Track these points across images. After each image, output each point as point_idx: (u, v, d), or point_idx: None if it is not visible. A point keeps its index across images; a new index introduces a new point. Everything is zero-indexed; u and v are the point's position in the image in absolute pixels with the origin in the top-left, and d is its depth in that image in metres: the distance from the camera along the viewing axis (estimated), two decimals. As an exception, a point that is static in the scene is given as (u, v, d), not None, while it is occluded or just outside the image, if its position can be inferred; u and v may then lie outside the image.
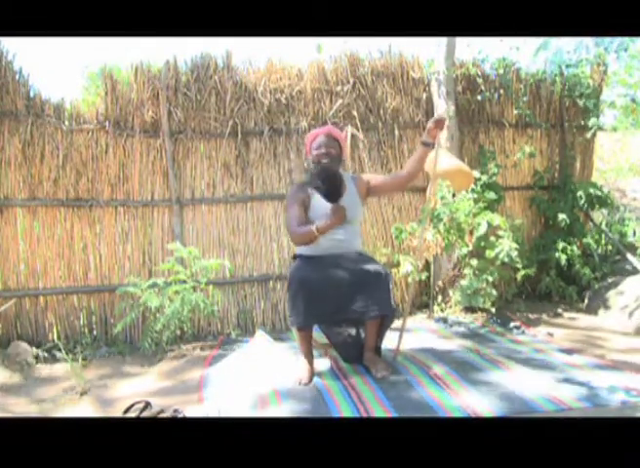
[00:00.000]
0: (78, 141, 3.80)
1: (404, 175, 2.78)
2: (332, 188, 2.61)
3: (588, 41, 3.78)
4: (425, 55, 4.42)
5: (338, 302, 2.52)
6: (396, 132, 4.33)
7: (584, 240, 4.52)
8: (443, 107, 4.22)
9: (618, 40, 3.77)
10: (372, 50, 4.34)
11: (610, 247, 4.88)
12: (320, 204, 2.67)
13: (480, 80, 4.40)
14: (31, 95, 3.73)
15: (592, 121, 4.51)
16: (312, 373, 2.63)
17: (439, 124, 2.60)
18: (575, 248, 4.29)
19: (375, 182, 2.84)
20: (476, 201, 3.98)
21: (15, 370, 3.06)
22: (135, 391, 2.72)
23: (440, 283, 4.20)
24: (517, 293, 4.36)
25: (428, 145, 2.66)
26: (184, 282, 3.45)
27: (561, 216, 4.36)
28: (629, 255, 4.46)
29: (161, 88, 3.91)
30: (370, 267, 2.59)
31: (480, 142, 4.53)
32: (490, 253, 3.81)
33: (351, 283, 2.52)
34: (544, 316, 4.02)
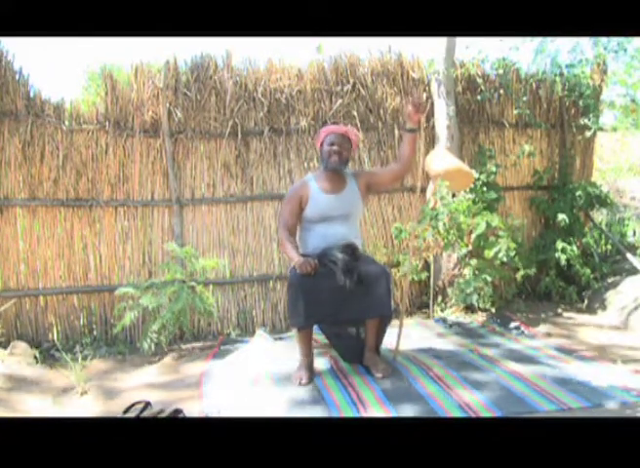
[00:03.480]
0: (78, 141, 3.80)
1: (398, 166, 2.82)
2: (344, 269, 2.49)
3: (585, 41, 3.78)
4: (425, 55, 4.42)
5: (338, 302, 2.52)
6: (396, 132, 4.33)
7: (584, 240, 4.51)
8: (443, 107, 4.22)
9: (616, 40, 3.77)
10: (372, 50, 4.34)
11: (610, 247, 4.88)
12: (318, 200, 2.71)
13: (480, 80, 4.40)
14: (31, 95, 3.73)
15: (592, 121, 4.51)
16: (312, 373, 2.63)
17: (419, 107, 2.62)
18: (574, 248, 4.28)
19: (374, 178, 2.89)
20: (475, 201, 3.98)
21: (14, 371, 3.06)
22: (134, 391, 2.72)
23: (440, 283, 4.20)
24: (517, 293, 4.36)
25: (414, 131, 2.69)
26: (183, 282, 3.46)
27: (561, 216, 4.36)
28: (629, 255, 4.46)
29: (161, 88, 3.91)
30: (370, 267, 2.59)
31: (480, 142, 4.53)
32: (489, 253, 3.81)
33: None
34: (544, 316, 4.02)
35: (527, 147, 4.35)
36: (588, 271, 4.24)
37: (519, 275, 4.00)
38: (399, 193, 4.34)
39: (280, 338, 3.61)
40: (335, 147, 2.71)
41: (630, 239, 5.24)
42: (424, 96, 4.37)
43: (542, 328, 3.71)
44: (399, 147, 2.86)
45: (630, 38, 3.69)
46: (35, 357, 3.29)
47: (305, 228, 2.79)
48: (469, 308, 4.02)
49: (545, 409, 2.18)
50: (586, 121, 4.54)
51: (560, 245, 4.26)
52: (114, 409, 2.44)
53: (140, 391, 2.70)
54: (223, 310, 4.03)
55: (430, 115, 4.29)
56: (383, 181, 2.93)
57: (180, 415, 2.26)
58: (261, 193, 4.16)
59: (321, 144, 2.80)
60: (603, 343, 3.28)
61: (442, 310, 4.10)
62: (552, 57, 3.73)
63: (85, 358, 3.30)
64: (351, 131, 2.83)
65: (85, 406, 2.55)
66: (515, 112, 4.50)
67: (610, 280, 4.26)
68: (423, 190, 4.29)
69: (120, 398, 2.59)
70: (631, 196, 6.66)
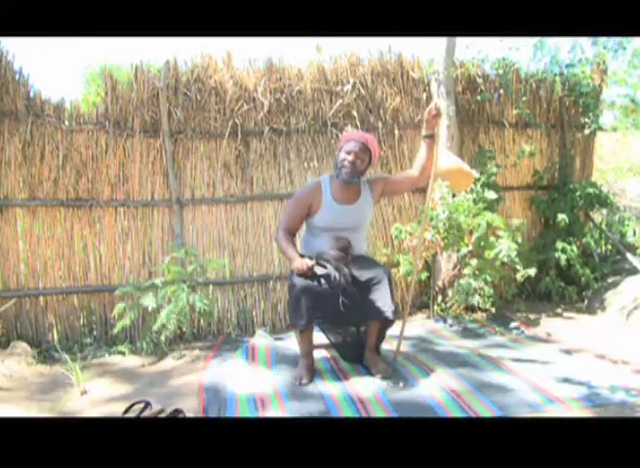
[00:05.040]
0: (78, 141, 3.80)
1: (416, 173, 2.73)
2: (337, 266, 2.48)
3: (584, 41, 3.78)
4: (425, 55, 4.42)
5: (339, 304, 2.51)
6: (396, 132, 4.33)
7: (584, 240, 4.52)
8: (443, 107, 4.22)
9: (616, 39, 3.77)
10: (372, 50, 4.34)
11: (610, 247, 4.88)
12: (330, 210, 2.65)
13: (480, 80, 4.40)
14: (31, 95, 3.73)
15: (592, 121, 4.51)
16: (312, 373, 2.63)
17: (437, 112, 2.56)
18: (574, 248, 4.29)
19: (390, 186, 2.80)
20: (476, 201, 3.98)
21: (14, 371, 3.06)
22: (134, 391, 2.72)
23: (440, 283, 4.20)
24: (517, 293, 4.36)
25: (431, 137, 2.62)
26: (183, 282, 3.46)
27: (561, 216, 4.37)
28: (629, 255, 4.46)
29: (161, 88, 3.91)
30: (372, 269, 2.59)
31: (480, 142, 4.53)
32: (489, 254, 3.81)
33: (353, 285, 2.52)
34: (544, 316, 4.02)
35: (527, 148, 4.35)
36: (588, 271, 4.24)
37: (519, 275, 4.00)
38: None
39: (280, 338, 3.61)
40: (350, 157, 2.59)
41: (630, 239, 5.24)
42: (424, 96, 4.37)
43: (542, 328, 3.71)
44: (417, 155, 2.80)
45: (630, 38, 3.69)
46: (35, 357, 3.29)
47: (312, 233, 2.74)
48: (469, 308, 4.02)
49: (546, 409, 2.18)
50: (586, 120, 4.54)
51: (560, 245, 4.26)
52: (114, 409, 2.44)
53: (140, 392, 2.70)
54: (223, 310, 4.03)
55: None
56: (400, 189, 2.88)
57: (180, 415, 2.26)
58: (261, 193, 4.15)
59: (339, 149, 2.68)
60: (603, 343, 3.28)
61: (442, 310, 4.10)
62: (552, 54, 3.72)
63: (85, 358, 3.31)
64: (372, 141, 2.68)
65: (84, 405, 2.55)
66: (515, 112, 4.50)
67: (610, 280, 4.26)
68: (424, 190, 4.29)
69: (119, 399, 2.59)
70: (632, 196, 6.66)
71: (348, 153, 2.61)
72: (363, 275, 2.55)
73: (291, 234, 2.71)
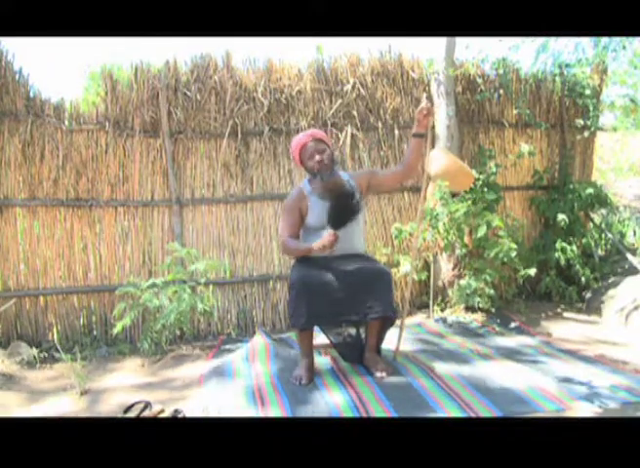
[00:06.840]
0: (78, 141, 3.80)
1: (402, 169, 2.75)
2: (340, 215, 2.54)
3: (586, 42, 3.77)
4: (425, 55, 4.42)
5: (340, 304, 2.52)
6: (396, 132, 4.33)
7: (584, 240, 4.51)
8: (443, 107, 4.22)
9: (616, 39, 3.76)
10: (372, 50, 4.34)
11: (610, 247, 4.88)
12: (318, 209, 2.66)
13: (480, 80, 4.40)
14: (31, 95, 3.73)
15: (592, 121, 4.51)
16: (312, 373, 2.63)
17: (428, 111, 2.57)
18: (574, 248, 4.28)
19: (375, 179, 2.81)
20: (476, 201, 3.98)
21: (14, 370, 3.06)
22: (134, 391, 2.72)
23: (440, 283, 4.20)
24: (517, 293, 4.36)
25: (421, 136, 2.63)
26: (184, 282, 3.45)
27: (561, 216, 4.36)
28: (629, 255, 4.46)
29: (161, 88, 3.91)
30: (372, 268, 2.59)
31: (480, 142, 4.53)
32: (489, 254, 3.81)
33: (353, 284, 2.52)
34: (544, 316, 4.02)
35: (526, 147, 4.35)
36: (588, 271, 4.24)
37: (519, 275, 4.00)
38: (399, 193, 4.34)
39: (280, 338, 3.61)
40: (317, 157, 2.60)
41: (630, 239, 5.24)
42: (424, 95, 4.37)
43: (542, 328, 3.71)
44: (405, 151, 2.81)
45: (632, 38, 3.68)
46: (35, 357, 3.29)
47: (309, 233, 2.74)
48: (469, 308, 4.01)
49: (545, 409, 2.18)
50: (586, 121, 4.54)
51: (560, 245, 4.26)
52: (114, 408, 2.44)
53: (140, 392, 2.70)
54: (223, 310, 4.03)
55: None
56: (385, 183, 2.87)
57: (180, 415, 2.27)
58: (261, 193, 4.15)
59: (301, 162, 2.68)
60: (603, 343, 3.28)
61: (442, 310, 4.10)
62: (555, 57, 3.71)
63: (85, 358, 3.31)
64: (314, 131, 2.73)
65: (85, 405, 2.55)
66: (515, 112, 4.50)
67: (610, 280, 4.26)
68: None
69: (119, 398, 2.59)
70: (631, 196, 6.67)
71: (311, 157, 2.62)
72: (364, 273, 2.55)
73: (294, 238, 2.71)
